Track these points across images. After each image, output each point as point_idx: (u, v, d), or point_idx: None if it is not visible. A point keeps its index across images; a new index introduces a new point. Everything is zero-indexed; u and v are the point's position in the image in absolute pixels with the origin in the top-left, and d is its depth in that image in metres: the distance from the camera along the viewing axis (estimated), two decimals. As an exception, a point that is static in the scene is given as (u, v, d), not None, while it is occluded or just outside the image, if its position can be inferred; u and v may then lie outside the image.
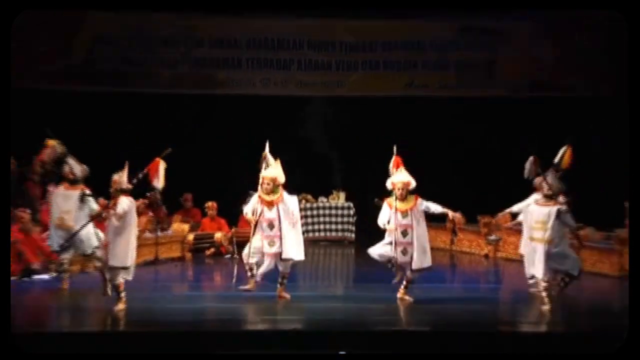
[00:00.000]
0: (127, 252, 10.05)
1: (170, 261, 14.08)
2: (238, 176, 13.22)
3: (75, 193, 11.53)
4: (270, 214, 10.64)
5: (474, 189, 15.76)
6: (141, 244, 13.46)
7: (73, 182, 11.66)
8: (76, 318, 10.16)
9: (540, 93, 17.68)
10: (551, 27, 17.67)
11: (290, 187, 16.49)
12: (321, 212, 16.58)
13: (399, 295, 10.70)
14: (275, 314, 10.27)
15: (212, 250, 15.08)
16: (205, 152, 16.63)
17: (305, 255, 12.86)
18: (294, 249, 10.77)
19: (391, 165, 10.96)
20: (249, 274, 10.86)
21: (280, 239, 10.63)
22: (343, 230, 16.49)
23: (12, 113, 15.86)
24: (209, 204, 15.52)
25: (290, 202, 10.80)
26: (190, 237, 14.84)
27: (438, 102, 17.40)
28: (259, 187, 10.77)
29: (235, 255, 13.94)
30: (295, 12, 17.19)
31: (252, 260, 10.75)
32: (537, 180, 11.04)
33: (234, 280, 12.63)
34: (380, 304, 10.56)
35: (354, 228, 16.44)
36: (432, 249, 15.38)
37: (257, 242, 10.74)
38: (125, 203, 9.97)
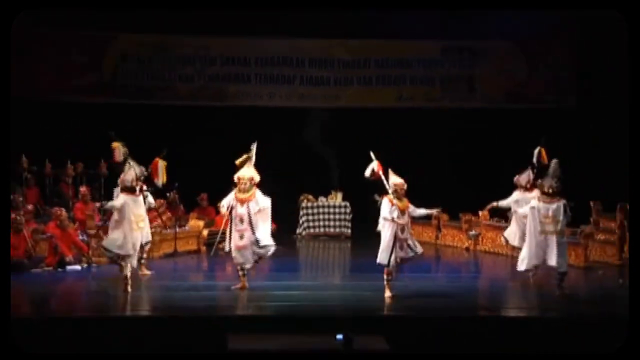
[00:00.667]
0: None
1: (187, 254, 14.05)
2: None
3: (139, 196, 11.48)
4: (241, 210, 10.56)
5: (456, 190, 15.73)
6: (162, 239, 13.52)
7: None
8: (102, 302, 10.16)
9: (514, 104, 17.69)
10: (523, 47, 17.69)
11: (294, 187, 16.61)
12: (321, 210, 16.55)
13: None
14: (278, 300, 10.25)
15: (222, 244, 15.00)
16: (218, 157, 16.57)
17: (306, 249, 12.97)
18: (269, 238, 10.66)
19: (374, 169, 10.75)
20: (240, 273, 10.71)
21: (251, 231, 10.53)
22: (340, 226, 16.45)
23: (46, 123, 16.03)
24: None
25: (262, 200, 10.67)
26: (205, 232, 14.79)
27: (424, 112, 17.40)
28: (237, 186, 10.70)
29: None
30: (298, 34, 17.23)
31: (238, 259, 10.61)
32: (539, 182, 11.14)
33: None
34: (373, 291, 10.54)
35: (350, 224, 16.41)
36: (420, 242, 15.48)
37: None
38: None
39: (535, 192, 11.47)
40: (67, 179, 14.73)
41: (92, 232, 12.63)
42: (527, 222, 10.97)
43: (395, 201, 10.37)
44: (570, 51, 17.57)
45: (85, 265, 12.25)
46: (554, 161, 11.22)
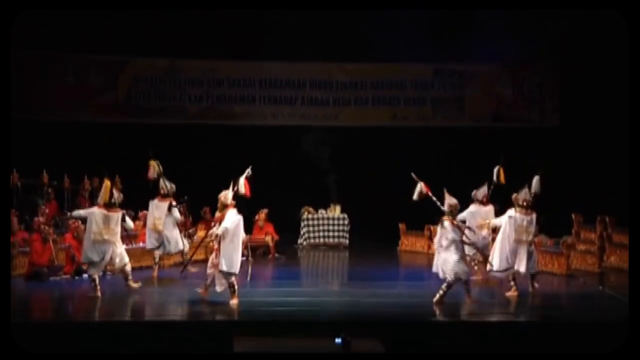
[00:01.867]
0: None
1: (196, 262, 14.06)
2: (251, 193, 13.26)
3: (165, 204, 12.05)
4: (215, 230, 10.23)
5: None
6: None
7: (164, 195, 12.12)
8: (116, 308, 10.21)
9: (501, 124, 17.79)
10: (509, 70, 17.81)
11: (295, 201, 16.65)
12: (320, 222, 16.57)
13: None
14: (281, 306, 10.27)
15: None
16: (222, 174, 16.61)
17: (307, 258, 12.90)
18: (227, 262, 10.07)
19: (421, 190, 10.63)
20: (207, 281, 10.49)
21: (218, 252, 10.10)
22: (339, 237, 16.48)
23: (65, 141, 16.10)
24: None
25: (227, 221, 10.05)
26: (211, 243, 14.76)
27: (417, 131, 17.48)
28: None
29: (250, 258, 13.91)
30: (299, 58, 17.35)
31: (208, 271, 10.43)
32: (515, 195, 11.30)
33: (248, 279, 12.64)
34: (369, 297, 10.58)
35: (348, 235, 16.45)
36: (413, 252, 15.54)
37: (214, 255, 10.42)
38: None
39: (490, 207, 12.08)
40: (84, 193, 14.79)
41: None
42: (502, 229, 11.13)
43: (454, 221, 10.28)
44: (554, 74, 17.71)
45: (100, 274, 12.25)
46: (536, 177, 11.48)
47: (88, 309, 10.22)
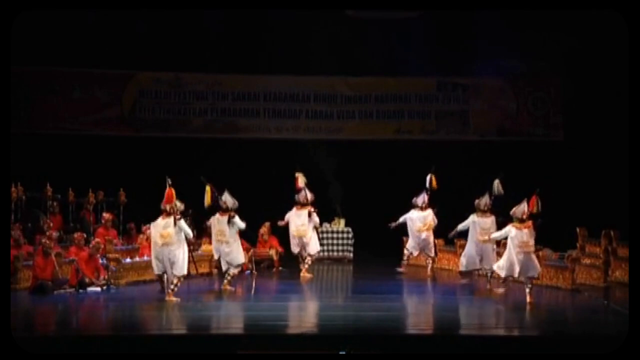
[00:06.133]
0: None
1: (200, 276, 14.09)
2: (254, 207, 13.33)
3: (225, 218, 12.24)
4: None
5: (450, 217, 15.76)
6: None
7: (225, 210, 12.26)
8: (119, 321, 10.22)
9: (505, 137, 17.80)
10: (513, 84, 17.84)
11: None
12: (325, 235, 16.57)
13: None
14: (285, 319, 10.27)
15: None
16: (226, 187, 16.66)
17: (311, 271, 12.89)
18: (179, 266, 11.21)
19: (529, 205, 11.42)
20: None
21: None
22: (343, 250, 16.50)
23: (69, 154, 16.19)
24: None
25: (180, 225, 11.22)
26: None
27: (421, 144, 17.49)
28: None
29: (254, 272, 13.97)
30: (303, 72, 17.42)
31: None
32: (477, 201, 12.83)
33: (252, 292, 12.68)
34: (373, 311, 10.58)
35: (352, 249, 16.46)
36: (417, 266, 15.52)
37: None
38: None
39: (429, 211, 14.06)
40: (88, 206, 14.84)
41: (112, 256, 12.70)
42: (469, 233, 12.74)
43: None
44: (558, 88, 17.73)
45: (104, 287, 12.29)
46: (496, 181, 12.66)
47: (93, 322, 10.23)
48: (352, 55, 16.96)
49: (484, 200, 12.69)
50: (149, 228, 13.21)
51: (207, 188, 12.16)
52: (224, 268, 12.39)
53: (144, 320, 10.30)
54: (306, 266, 13.90)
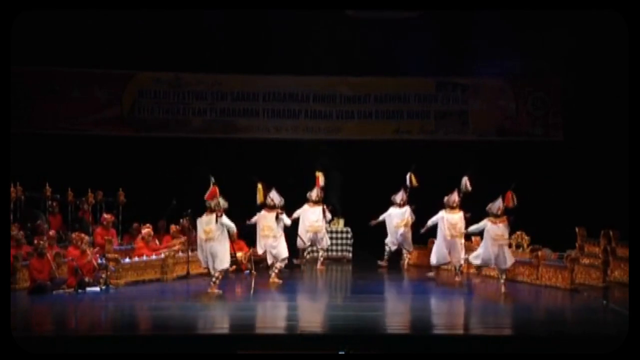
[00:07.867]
0: None
1: (199, 276, 14.08)
2: (254, 206, 13.34)
3: (272, 215, 12.95)
4: None
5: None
6: (176, 262, 13.57)
7: (271, 207, 12.98)
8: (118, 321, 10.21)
9: (505, 137, 17.80)
10: (512, 84, 17.83)
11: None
12: (324, 235, 16.56)
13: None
14: (286, 319, 10.27)
15: (234, 267, 15.04)
16: (226, 188, 16.64)
17: (311, 271, 12.86)
18: (220, 260, 11.78)
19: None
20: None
21: None
22: (342, 250, 16.49)
23: (68, 154, 16.19)
24: (231, 230, 15.47)
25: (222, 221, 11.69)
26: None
27: (420, 144, 17.48)
28: None
29: (253, 272, 13.97)
30: (303, 72, 17.41)
31: None
32: (446, 198, 13.49)
33: (251, 292, 12.68)
34: (372, 311, 10.57)
35: (351, 249, 16.45)
36: (416, 266, 15.54)
37: None
38: None
39: (406, 208, 14.61)
40: (87, 207, 14.82)
41: (111, 256, 12.69)
42: (438, 229, 13.34)
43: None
44: (558, 88, 17.72)
45: (103, 287, 12.28)
46: (464, 178, 13.38)
47: (91, 322, 10.22)
48: (351, 55, 16.96)
49: (453, 197, 13.34)
50: (147, 227, 13.25)
51: (259, 186, 12.79)
52: (269, 262, 13.04)
53: (141, 320, 10.28)
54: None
